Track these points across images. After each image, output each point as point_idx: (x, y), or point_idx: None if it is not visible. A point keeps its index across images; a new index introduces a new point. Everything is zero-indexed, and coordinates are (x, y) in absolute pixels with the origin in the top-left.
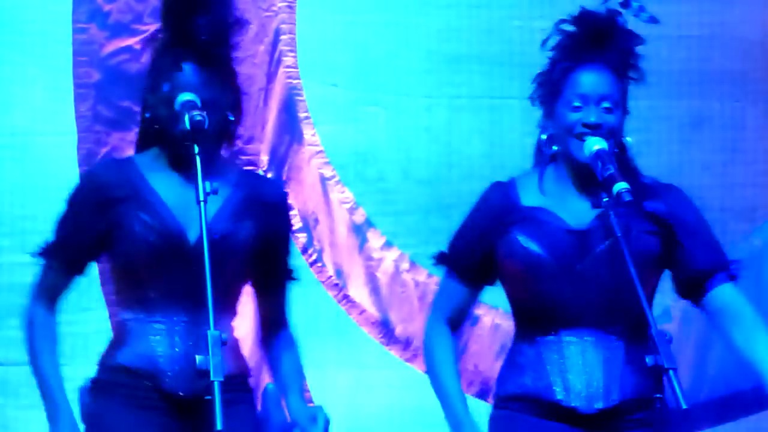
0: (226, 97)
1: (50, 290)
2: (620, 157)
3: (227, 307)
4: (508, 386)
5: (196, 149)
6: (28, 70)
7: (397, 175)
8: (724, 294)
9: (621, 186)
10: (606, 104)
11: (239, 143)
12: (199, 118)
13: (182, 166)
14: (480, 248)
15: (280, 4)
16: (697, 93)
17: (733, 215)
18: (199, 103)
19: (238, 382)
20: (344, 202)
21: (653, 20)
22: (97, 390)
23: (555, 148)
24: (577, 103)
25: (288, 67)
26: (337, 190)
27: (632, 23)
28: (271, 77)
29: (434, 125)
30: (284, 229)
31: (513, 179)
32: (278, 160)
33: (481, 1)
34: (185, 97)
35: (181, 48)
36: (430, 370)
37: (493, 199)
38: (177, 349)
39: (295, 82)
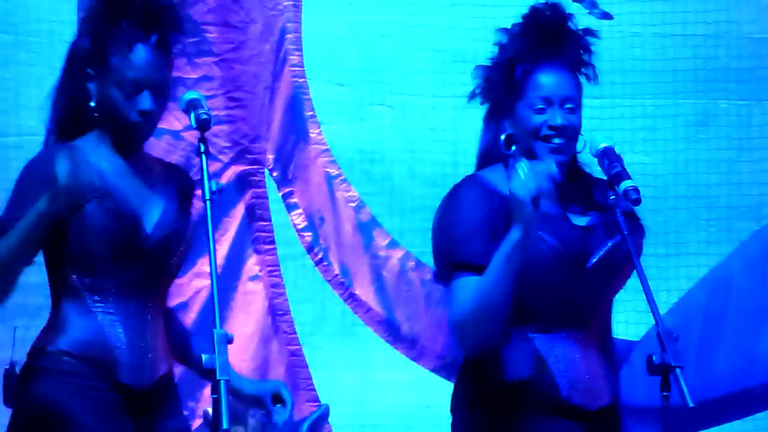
0: (169, 81)
1: None
2: (575, 156)
3: (167, 300)
4: (503, 380)
5: (202, 148)
6: (36, 70)
7: (403, 175)
8: None
9: (628, 183)
10: (569, 105)
11: (245, 142)
12: (205, 116)
13: (129, 152)
14: (493, 246)
15: (285, 3)
16: (703, 91)
17: (738, 213)
18: (203, 102)
19: (169, 380)
20: (350, 201)
21: (607, 16)
22: (37, 376)
23: (514, 148)
24: (540, 106)
25: (293, 66)
26: (342, 188)
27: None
28: (276, 76)
29: (440, 124)
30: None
31: (481, 176)
32: (284, 158)
33: (487, 1)
34: (190, 95)
35: (135, 28)
36: (476, 299)
37: (485, 196)
38: (131, 340)
39: (300, 80)
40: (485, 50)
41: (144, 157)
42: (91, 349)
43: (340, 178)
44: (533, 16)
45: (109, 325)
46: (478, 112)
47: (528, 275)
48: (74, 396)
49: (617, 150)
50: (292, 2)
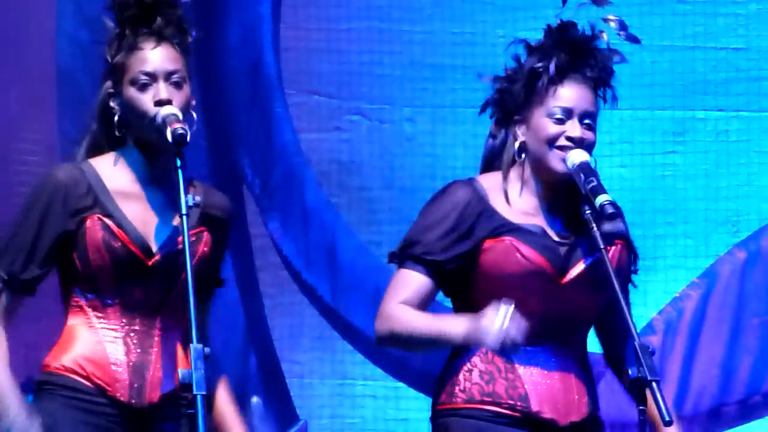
0: (183, 72)
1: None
2: None
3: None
4: (473, 394)
5: (179, 162)
6: (2, 73)
7: (379, 184)
8: None
9: (604, 198)
10: (588, 121)
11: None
12: (181, 131)
13: (159, 166)
14: (457, 247)
15: (263, 15)
16: (680, 103)
17: (715, 226)
18: (180, 117)
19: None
20: None
21: (634, 39)
22: (43, 392)
23: (524, 156)
24: (560, 116)
25: (271, 80)
26: None
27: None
28: (254, 91)
29: (417, 135)
30: None
31: (476, 180)
32: (262, 172)
33: (465, 12)
34: (167, 110)
35: (138, 25)
36: (405, 330)
37: (466, 200)
38: (131, 358)
39: (277, 95)
40: (462, 61)
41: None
42: (91, 366)
43: None
44: (563, 29)
45: (110, 342)
46: (455, 123)
47: (505, 287)
48: (74, 411)
49: (595, 162)
50: (270, 14)
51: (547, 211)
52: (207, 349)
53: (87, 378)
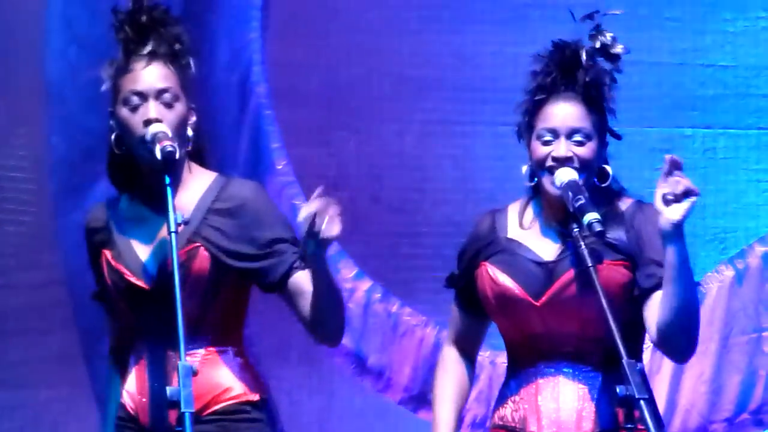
0: (177, 91)
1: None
2: (599, 185)
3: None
4: (494, 419)
5: (168, 180)
6: None
7: (367, 200)
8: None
9: (591, 216)
10: (578, 137)
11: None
12: (170, 149)
13: (156, 187)
14: (465, 276)
15: (252, 35)
16: (668, 119)
17: (703, 243)
18: (169, 135)
19: (243, 406)
20: None
21: (624, 51)
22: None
23: (535, 180)
24: (547, 138)
25: (259, 97)
26: None
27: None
28: (243, 108)
29: (405, 150)
30: None
31: (506, 208)
32: None
33: (454, 27)
34: (156, 128)
35: (130, 43)
36: (433, 393)
37: (479, 228)
38: (153, 384)
39: (266, 112)
40: (450, 76)
41: (191, 187)
42: (127, 396)
43: None
44: (551, 50)
45: (138, 369)
46: (443, 139)
47: (500, 314)
48: None
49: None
50: (259, 31)
51: (547, 229)
52: (194, 367)
53: (123, 407)
